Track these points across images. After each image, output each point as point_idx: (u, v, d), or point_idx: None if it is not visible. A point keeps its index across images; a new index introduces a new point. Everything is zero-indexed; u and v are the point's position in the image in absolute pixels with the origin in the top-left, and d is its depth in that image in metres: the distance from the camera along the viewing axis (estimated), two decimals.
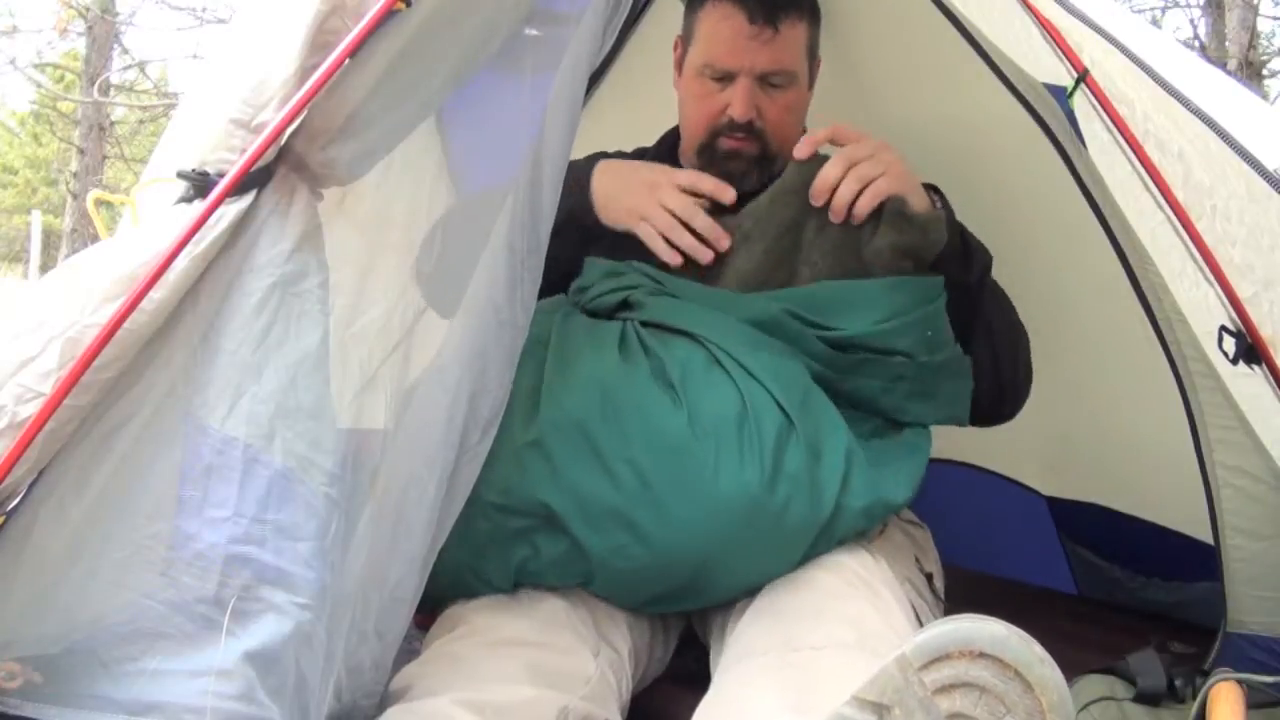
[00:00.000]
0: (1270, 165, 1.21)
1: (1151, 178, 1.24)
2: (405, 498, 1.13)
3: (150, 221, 0.97)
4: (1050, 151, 1.47)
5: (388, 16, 1.03)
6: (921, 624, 1.26)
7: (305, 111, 1.00)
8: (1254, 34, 7.89)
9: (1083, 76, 1.26)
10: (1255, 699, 1.18)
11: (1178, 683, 1.28)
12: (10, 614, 0.91)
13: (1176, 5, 8.73)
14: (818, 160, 1.43)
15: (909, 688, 0.86)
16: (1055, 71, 1.30)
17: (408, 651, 1.19)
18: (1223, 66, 6.64)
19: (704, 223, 1.45)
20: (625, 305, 1.41)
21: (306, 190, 1.04)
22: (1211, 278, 1.25)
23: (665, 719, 1.27)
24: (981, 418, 1.56)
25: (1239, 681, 1.17)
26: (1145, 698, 1.27)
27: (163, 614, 0.92)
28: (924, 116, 1.83)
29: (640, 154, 1.73)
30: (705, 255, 1.44)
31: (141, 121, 12.03)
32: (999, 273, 1.58)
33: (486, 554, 1.25)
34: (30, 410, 0.89)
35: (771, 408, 1.25)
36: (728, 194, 1.46)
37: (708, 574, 1.24)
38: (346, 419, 1.07)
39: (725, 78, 1.54)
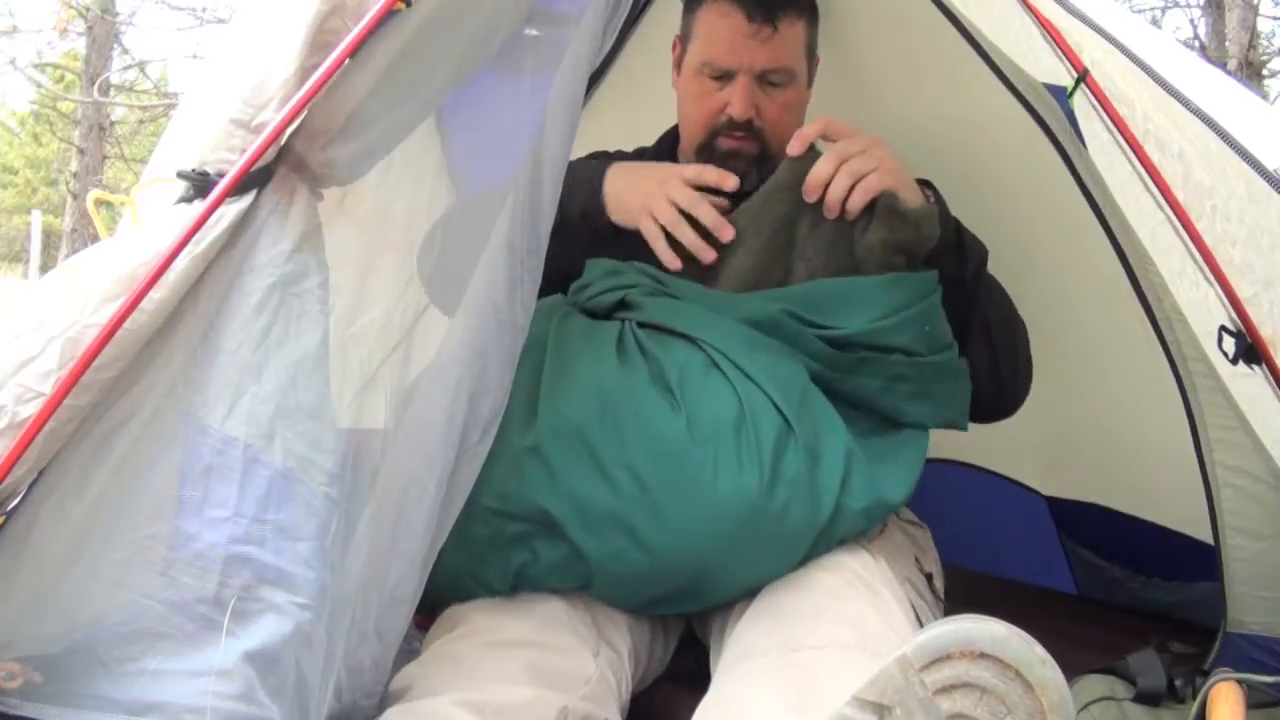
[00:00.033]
0: (1270, 165, 1.21)
1: (1151, 178, 1.24)
2: (405, 497, 1.13)
3: (150, 221, 0.97)
4: (1050, 151, 1.47)
5: (388, 16, 1.03)
6: (921, 624, 1.26)
7: (305, 111, 1.00)
8: (1254, 34, 7.89)
9: (1083, 76, 1.26)
10: (1255, 699, 1.18)
11: (1178, 683, 1.28)
12: (10, 614, 0.91)
13: (1176, 5, 8.73)
14: (810, 156, 1.43)
15: (910, 688, 0.86)
16: (1055, 71, 1.30)
17: (407, 651, 1.19)
18: (1223, 66, 6.64)
19: (708, 213, 1.44)
20: (623, 305, 1.41)
21: (306, 190, 1.04)
22: (1211, 278, 1.25)
23: (665, 719, 1.27)
24: (982, 413, 1.56)
25: (1239, 681, 1.17)
26: (1145, 698, 1.27)
27: (163, 614, 0.92)
28: (924, 116, 1.83)
29: (640, 154, 1.73)
30: (708, 255, 1.44)
31: (141, 121, 12.03)
32: (999, 273, 1.58)
33: (485, 558, 1.25)
34: (30, 410, 0.89)
35: (769, 411, 1.25)
36: (730, 181, 1.47)
37: (707, 577, 1.24)
38: (346, 419, 1.07)
39: (724, 76, 1.54)
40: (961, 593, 1.45)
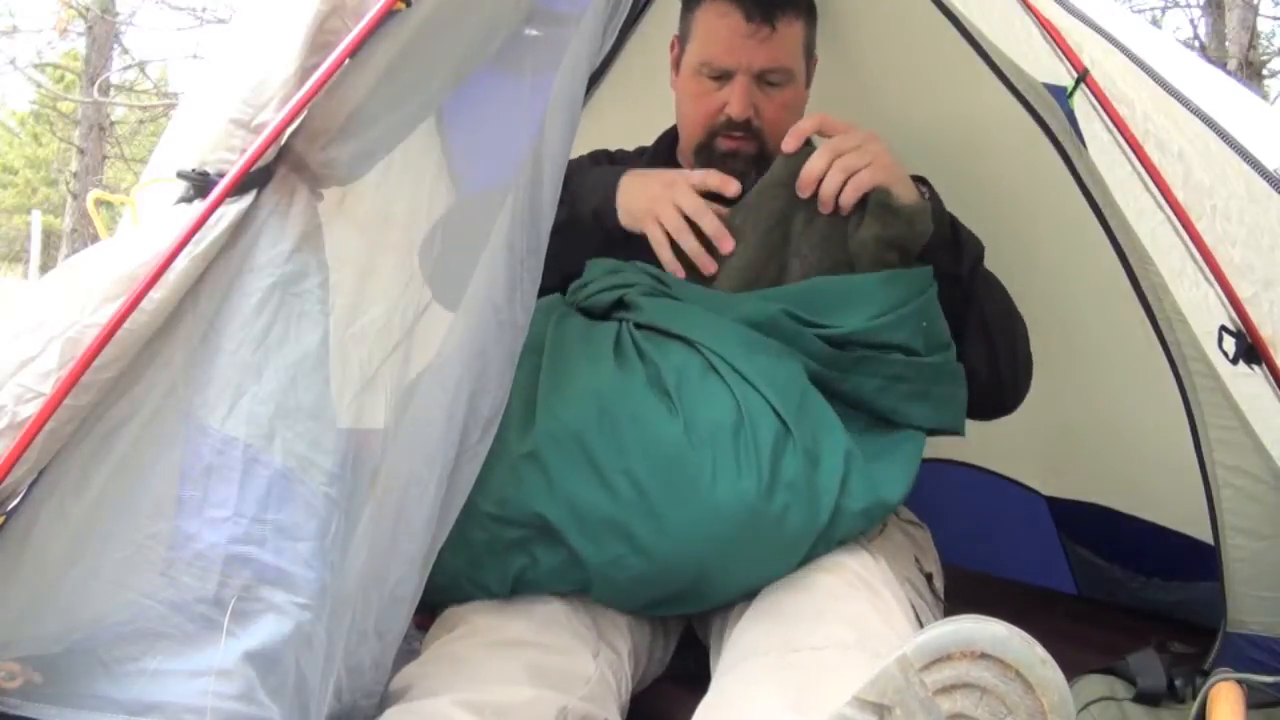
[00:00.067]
0: (1270, 165, 1.21)
1: (1151, 178, 1.24)
2: (405, 497, 1.13)
3: (150, 221, 0.97)
4: (1050, 151, 1.47)
5: (388, 16, 1.03)
6: (921, 624, 1.26)
7: (305, 111, 1.00)
8: (1254, 34, 7.89)
9: (1083, 76, 1.26)
10: (1255, 699, 1.18)
11: (1178, 683, 1.28)
12: (10, 614, 0.91)
13: (1176, 5, 8.73)
14: (805, 152, 1.44)
15: (910, 688, 0.86)
16: (1055, 71, 1.30)
17: (407, 651, 1.19)
18: (1223, 66, 6.64)
19: (711, 224, 1.44)
20: (620, 305, 1.41)
21: (306, 190, 1.04)
22: (1211, 278, 1.25)
23: (665, 719, 1.27)
24: (982, 409, 1.56)
25: (1239, 681, 1.17)
26: (1145, 698, 1.27)
27: (163, 614, 0.92)
28: (924, 116, 1.83)
29: (639, 153, 1.73)
30: (709, 266, 1.45)
31: (141, 121, 12.03)
32: (999, 273, 1.58)
33: (483, 563, 1.25)
34: (30, 410, 0.89)
35: (768, 415, 1.25)
36: (732, 187, 1.47)
37: (706, 580, 1.24)
38: (346, 419, 1.07)
39: (722, 76, 1.54)
40: (961, 593, 1.45)
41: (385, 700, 1.12)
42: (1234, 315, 1.25)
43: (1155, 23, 8.26)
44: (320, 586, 0.98)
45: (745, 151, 1.55)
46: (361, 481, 1.07)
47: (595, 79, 2.02)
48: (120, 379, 0.94)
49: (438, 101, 1.17)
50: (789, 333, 1.36)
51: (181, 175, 0.97)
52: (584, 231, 1.48)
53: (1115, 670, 1.31)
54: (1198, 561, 1.57)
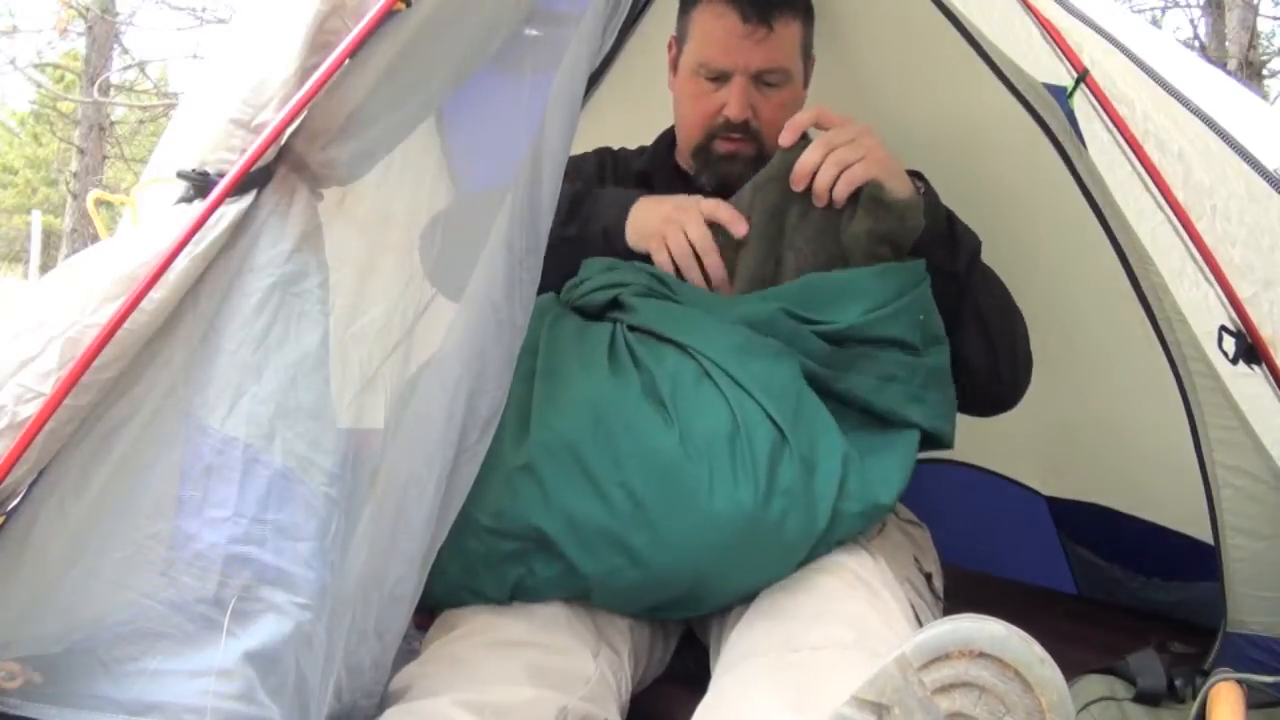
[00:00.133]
0: (1270, 165, 1.21)
1: (1151, 178, 1.24)
2: (405, 496, 1.13)
3: (150, 221, 0.97)
4: (1050, 151, 1.47)
5: (388, 16, 1.03)
6: (921, 624, 1.26)
7: (305, 111, 1.00)
8: (1254, 34, 7.89)
9: (1083, 76, 1.26)
10: (1255, 699, 1.18)
11: (1178, 683, 1.28)
12: (10, 614, 0.91)
13: (1176, 5, 8.73)
14: (801, 145, 1.44)
15: (908, 687, 0.86)
16: (1055, 71, 1.30)
17: (407, 651, 1.19)
18: (1223, 66, 6.64)
19: (714, 264, 1.44)
20: (615, 304, 1.40)
21: (306, 190, 1.04)
22: (1211, 278, 1.25)
23: (665, 719, 1.27)
24: (981, 405, 1.56)
25: (1239, 681, 1.17)
26: (1145, 698, 1.27)
27: (163, 614, 0.92)
28: (923, 116, 1.83)
29: (639, 153, 1.73)
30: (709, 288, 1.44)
31: (141, 121, 12.03)
32: (999, 272, 1.58)
33: (481, 573, 1.24)
34: (30, 410, 0.89)
35: (764, 422, 1.24)
36: (740, 228, 1.45)
37: (705, 587, 1.24)
38: (346, 419, 1.07)
39: (720, 77, 1.54)
40: (961, 593, 1.45)
41: (385, 700, 1.12)
42: (1234, 315, 1.25)
43: (1155, 23, 8.26)
44: (320, 586, 0.98)
45: (744, 153, 1.55)
46: (361, 481, 1.07)
47: (595, 79, 2.02)
48: (120, 379, 0.94)
49: (438, 101, 1.17)
50: (787, 331, 1.35)
51: (181, 175, 0.97)
52: (592, 249, 1.48)
53: (1115, 670, 1.31)
54: (1198, 561, 1.57)
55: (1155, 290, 1.36)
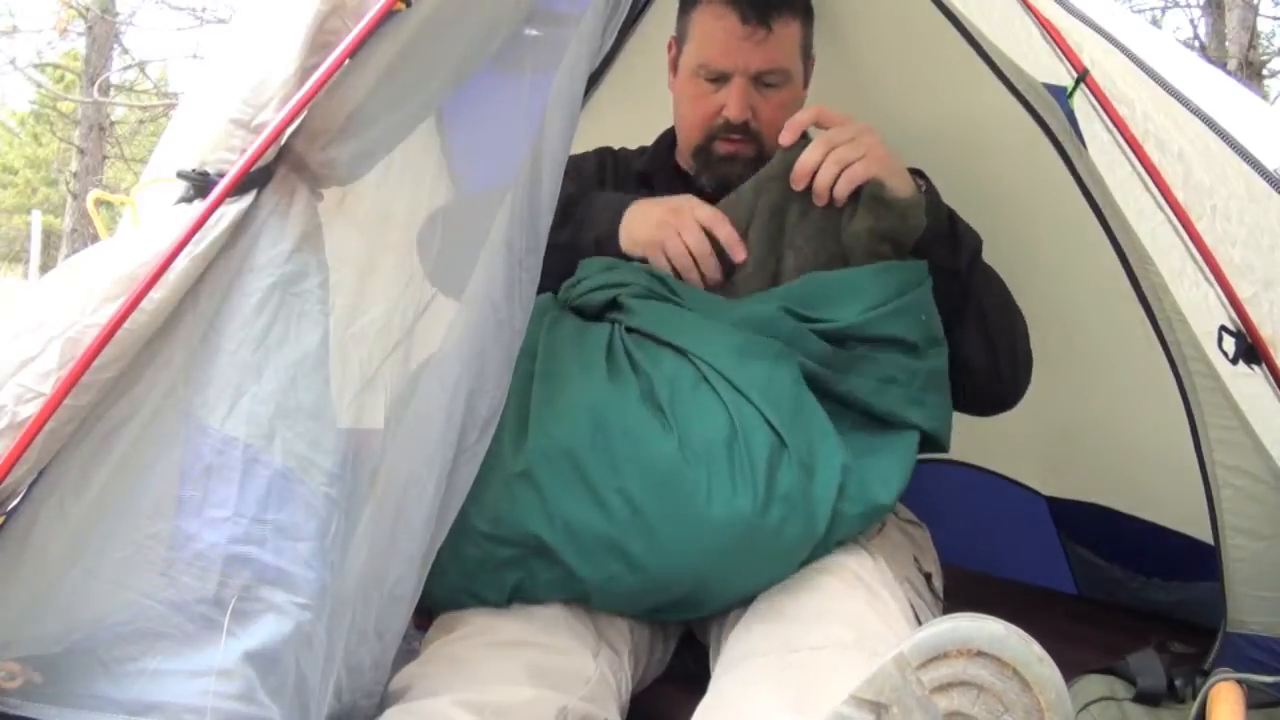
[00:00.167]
0: (1270, 165, 1.21)
1: (1151, 178, 1.24)
2: (405, 496, 1.13)
3: (150, 221, 0.97)
4: (1050, 151, 1.47)
5: (388, 16, 1.03)
6: (921, 624, 1.26)
7: (305, 111, 1.00)
8: (1254, 34, 7.89)
9: (1083, 76, 1.26)
10: (1255, 699, 1.18)
11: (1178, 683, 1.28)
12: (10, 614, 0.91)
13: (1176, 5, 8.73)
14: (801, 144, 1.44)
15: (907, 686, 0.86)
16: (1055, 71, 1.30)
17: (407, 651, 1.19)
18: (1223, 66, 6.64)
19: (712, 269, 1.44)
20: (614, 305, 1.40)
21: (306, 190, 1.04)
22: (1211, 278, 1.25)
23: (665, 719, 1.27)
24: (981, 404, 1.56)
25: (1239, 681, 1.17)
26: (1145, 698, 1.27)
27: (163, 614, 0.92)
28: (924, 116, 1.83)
29: (640, 152, 1.73)
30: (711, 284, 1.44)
31: (141, 121, 12.03)
32: (999, 273, 1.58)
33: (479, 578, 1.24)
34: (30, 410, 0.89)
35: (762, 427, 1.24)
36: (739, 254, 1.44)
37: (705, 591, 1.24)
38: (346, 419, 1.07)
39: (720, 78, 1.54)
40: (961, 593, 1.45)
41: (385, 700, 1.12)
42: (1234, 315, 1.25)
43: (1155, 23, 8.26)
44: (320, 586, 0.98)
45: (744, 154, 1.55)
46: (361, 481, 1.07)
47: (595, 79, 2.02)
48: (120, 379, 0.94)
49: (438, 101, 1.17)
50: (788, 331, 1.35)
51: (181, 175, 0.97)
52: (586, 255, 1.47)
53: (1115, 670, 1.31)
54: (1198, 561, 1.57)
55: (1155, 290, 1.36)
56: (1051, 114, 1.39)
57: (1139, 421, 1.77)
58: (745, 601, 1.25)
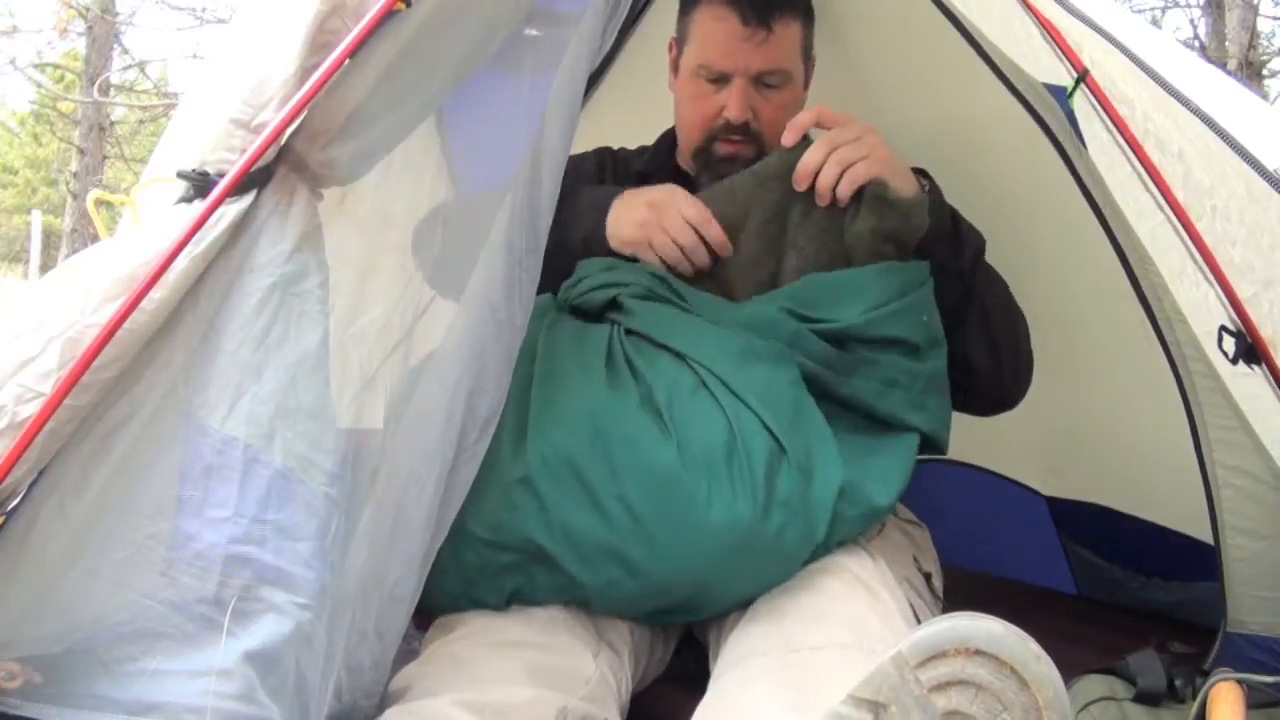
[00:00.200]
0: (1270, 165, 1.21)
1: (1151, 178, 1.24)
2: (405, 496, 1.13)
3: (150, 221, 0.97)
4: (1050, 151, 1.47)
5: (388, 16, 1.03)
6: (920, 624, 1.26)
7: (305, 111, 1.00)
8: (1254, 34, 7.89)
9: (1083, 76, 1.26)
10: (1255, 699, 1.18)
11: (1178, 683, 1.28)
12: (10, 614, 0.91)
13: (1176, 5, 8.73)
14: (803, 145, 1.43)
15: (905, 685, 0.86)
16: (1055, 71, 1.30)
17: (407, 651, 1.19)
18: (1223, 66, 6.64)
19: (702, 260, 1.43)
20: (613, 305, 1.40)
21: (306, 190, 1.04)
22: (1211, 278, 1.25)
23: (665, 719, 1.27)
24: (983, 404, 1.56)
25: (1239, 681, 1.17)
26: (1145, 698, 1.27)
27: (163, 614, 0.92)
28: (924, 116, 1.83)
29: (640, 152, 1.73)
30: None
31: (141, 121, 12.03)
32: (999, 273, 1.58)
33: (479, 583, 1.24)
34: (30, 410, 0.89)
35: (761, 433, 1.24)
36: (725, 253, 1.44)
37: (704, 594, 1.24)
38: (346, 419, 1.07)
39: (720, 79, 1.54)
40: (961, 593, 1.45)
41: (385, 700, 1.12)
42: (1234, 315, 1.25)
43: (1155, 23, 8.26)
44: (320, 586, 0.98)
45: (744, 155, 1.55)
46: (361, 481, 1.07)
47: (595, 79, 2.02)
48: (120, 379, 0.95)
49: (438, 101, 1.17)
50: (789, 332, 1.35)
51: (181, 175, 0.97)
52: (573, 257, 1.47)
53: (1115, 670, 1.31)
54: (1198, 561, 1.57)
55: (1155, 290, 1.36)
56: (1051, 114, 1.39)
57: (1139, 421, 1.77)
58: (745, 603, 1.25)
